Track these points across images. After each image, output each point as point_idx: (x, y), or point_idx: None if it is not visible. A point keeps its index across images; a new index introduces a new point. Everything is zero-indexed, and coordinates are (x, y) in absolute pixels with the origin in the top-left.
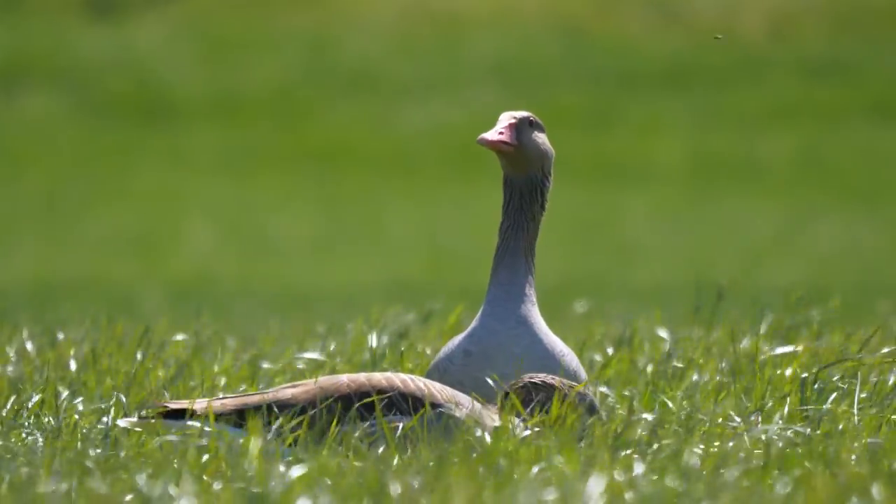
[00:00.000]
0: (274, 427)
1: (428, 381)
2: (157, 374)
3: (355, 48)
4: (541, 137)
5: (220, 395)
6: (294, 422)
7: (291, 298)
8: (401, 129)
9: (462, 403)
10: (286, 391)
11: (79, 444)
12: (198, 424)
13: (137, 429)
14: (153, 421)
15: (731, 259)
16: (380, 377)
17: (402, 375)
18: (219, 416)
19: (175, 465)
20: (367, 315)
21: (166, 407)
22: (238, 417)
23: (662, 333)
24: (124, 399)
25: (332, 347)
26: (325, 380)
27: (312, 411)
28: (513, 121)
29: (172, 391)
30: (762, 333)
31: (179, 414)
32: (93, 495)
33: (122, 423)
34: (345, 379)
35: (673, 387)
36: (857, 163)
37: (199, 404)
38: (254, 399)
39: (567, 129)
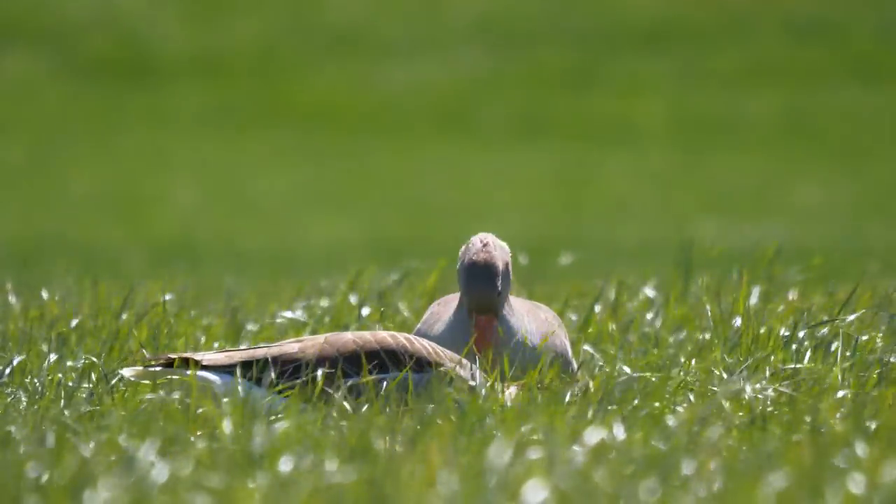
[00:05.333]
0: (266, 381)
1: (432, 343)
2: (141, 333)
3: (339, 7)
4: (509, 275)
5: (227, 348)
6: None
7: (276, 257)
8: (385, 87)
9: (465, 365)
10: (293, 345)
11: (62, 402)
12: (203, 374)
13: (145, 381)
14: (158, 370)
15: (714, 217)
16: (385, 335)
17: (407, 335)
18: (225, 368)
19: (161, 425)
20: (350, 274)
21: (171, 357)
22: (244, 369)
23: (647, 291)
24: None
25: (319, 304)
26: (331, 335)
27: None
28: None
29: (152, 349)
30: (744, 291)
31: (184, 365)
32: (76, 455)
33: (125, 372)
34: (350, 336)
35: (656, 345)
36: (840, 123)
37: (206, 355)
38: (260, 352)
39: (550, 89)
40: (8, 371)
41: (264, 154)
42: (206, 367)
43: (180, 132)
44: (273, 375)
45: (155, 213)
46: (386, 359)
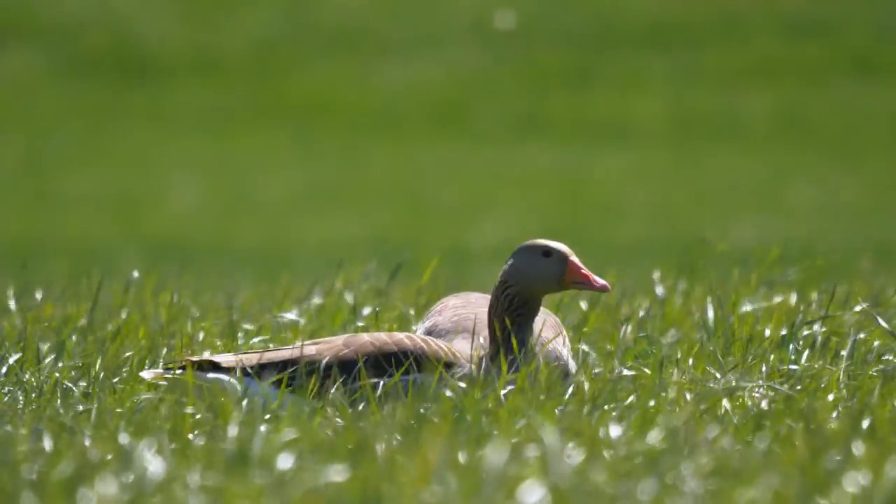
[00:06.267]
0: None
1: (448, 343)
2: (138, 332)
3: (336, 5)
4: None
5: (245, 350)
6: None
7: (272, 256)
8: (382, 86)
9: (481, 365)
10: (310, 348)
11: (59, 402)
12: (223, 377)
13: (162, 382)
14: (179, 373)
15: (711, 216)
16: (401, 336)
17: (423, 336)
18: (243, 371)
19: (157, 423)
20: (347, 273)
21: (190, 361)
22: (262, 371)
23: (643, 290)
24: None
25: (314, 303)
26: (349, 338)
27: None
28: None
29: (148, 348)
30: (741, 290)
31: (201, 368)
32: (74, 454)
33: (146, 374)
34: (367, 337)
35: (652, 344)
36: (837, 120)
37: (224, 358)
38: (279, 354)
39: (548, 87)
40: (4, 370)
41: (261, 153)
42: (224, 370)
43: (177, 131)
44: (287, 377)
45: (151, 211)
46: (404, 360)
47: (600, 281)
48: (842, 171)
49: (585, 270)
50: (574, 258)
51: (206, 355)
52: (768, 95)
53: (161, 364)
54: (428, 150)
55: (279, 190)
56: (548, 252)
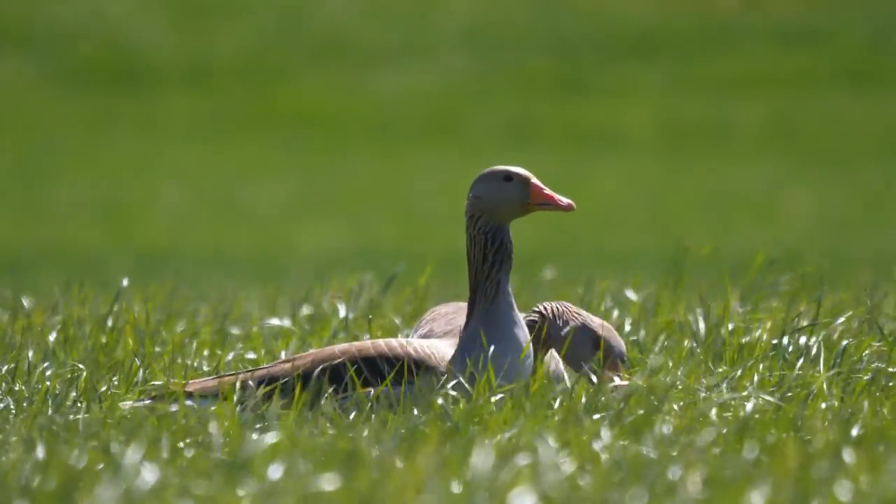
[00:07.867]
0: (253, 398)
1: (419, 343)
2: (127, 341)
3: (328, 13)
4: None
5: (222, 374)
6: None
7: (264, 264)
8: (373, 94)
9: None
10: (283, 366)
11: (50, 410)
12: (193, 404)
13: (146, 411)
14: (161, 402)
15: (702, 225)
16: (368, 344)
17: (391, 341)
18: (215, 394)
19: (148, 432)
20: (338, 282)
21: (164, 388)
22: (242, 394)
23: (635, 298)
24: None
25: (305, 312)
26: (319, 351)
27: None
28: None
29: (140, 354)
30: (732, 299)
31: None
32: (64, 463)
33: (124, 405)
34: (336, 350)
35: (644, 353)
36: (828, 129)
37: (196, 384)
38: (255, 375)
39: (538, 96)
40: None
41: (252, 161)
42: (197, 396)
43: (168, 139)
44: (259, 397)
45: (142, 219)
46: (366, 370)
47: (565, 200)
48: (835, 179)
49: (549, 191)
50: (535, 180)
51: (187, 383)
52: (760, 105)
53: (140, 391)
54: (419, 158)
55: (270, 198)
56: (509, 177)
